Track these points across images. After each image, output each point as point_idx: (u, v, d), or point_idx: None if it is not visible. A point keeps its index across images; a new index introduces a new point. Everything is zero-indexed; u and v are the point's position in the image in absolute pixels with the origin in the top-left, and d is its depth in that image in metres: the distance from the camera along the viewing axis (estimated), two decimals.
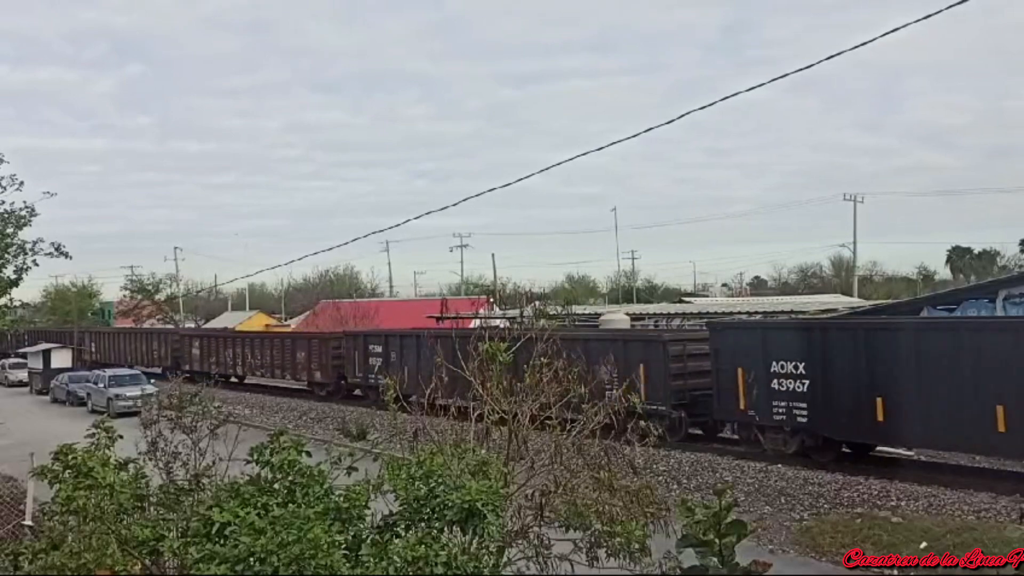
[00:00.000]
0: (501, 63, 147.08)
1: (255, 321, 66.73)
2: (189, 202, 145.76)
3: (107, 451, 6.97)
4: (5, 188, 19.81)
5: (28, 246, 20.25)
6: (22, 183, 19.96)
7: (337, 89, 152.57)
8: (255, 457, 6.27)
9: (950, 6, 10.25)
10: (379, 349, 31.95)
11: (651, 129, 13.14)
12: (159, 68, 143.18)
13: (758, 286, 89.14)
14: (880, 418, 17.53)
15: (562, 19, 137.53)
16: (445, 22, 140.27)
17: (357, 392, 34.13)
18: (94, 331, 59.16)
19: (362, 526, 6.00)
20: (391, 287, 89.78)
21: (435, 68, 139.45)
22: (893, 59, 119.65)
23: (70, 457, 6.69)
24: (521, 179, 24.39)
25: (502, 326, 10.51)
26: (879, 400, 17.48)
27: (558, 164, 23.24)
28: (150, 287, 73.23)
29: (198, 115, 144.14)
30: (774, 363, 19.38)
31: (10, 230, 19.93)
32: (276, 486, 6.10)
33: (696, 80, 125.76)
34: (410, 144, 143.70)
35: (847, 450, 19.54)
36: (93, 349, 54.25)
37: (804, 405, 18.91)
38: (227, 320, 69.22)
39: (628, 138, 16.29)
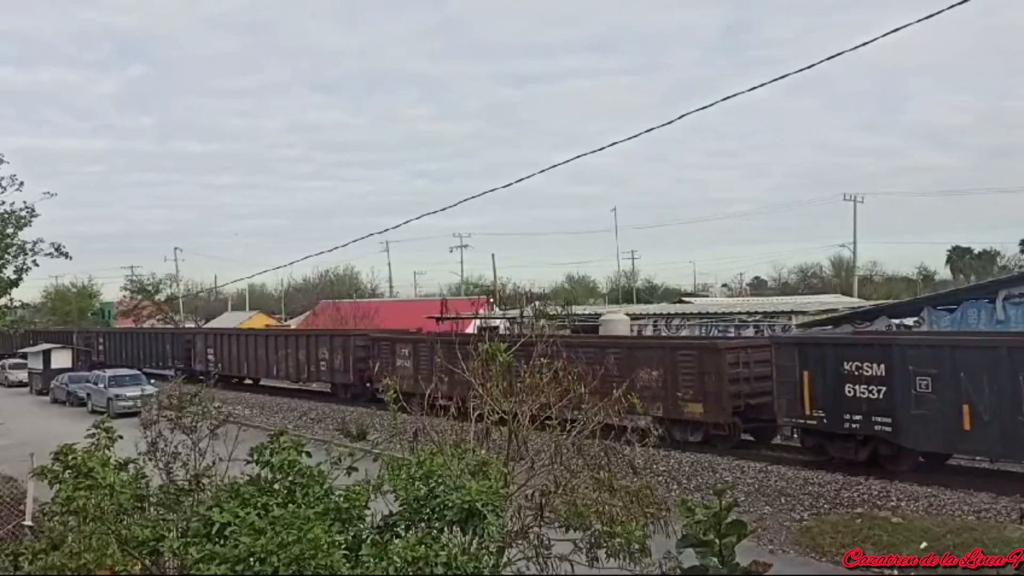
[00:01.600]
0: (501, 63, 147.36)
1: (255, 321, 66.72)
2: (189, 202, 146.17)
3: (107, 451, 6.97)
4: (5, 188, 19.80)
5: (28, 246, 20.23)
6: (22, 183, 19.97)
7: (338, 89, 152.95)
8: (255, 457, 6.27)
9: (951, 6, 10.26)
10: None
11: (652, 129, 13.19)
12: (161, 69, 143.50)
13: (758, 286, 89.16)
14: None
15: (562, 19, 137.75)
16: (445, 22, 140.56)
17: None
18: (213, 332, 47.84)
19: (362, 526, 6.00)
20: (391, 287, 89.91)
21: (435, 68, 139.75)
22: (894, 60, 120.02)
23: (70, 457, 6.69)
24: (522, 179, 24.41)
25: (502, 328, 10.50)
26: None
27: (558, 165, 23.30)
28: (150, 287, 73.31)
29: (199, 116, 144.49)
30: None
31: (10, 230, 19.92)
32: (276, 486, 6.10)
33: (696, 80, 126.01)
34: (410, 144, 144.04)
35: None
36: (211, 357, 42.73)
37: None
38: (227, 320, 69.22)
39: (629, 139, 16.31)
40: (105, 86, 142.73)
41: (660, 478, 17.55)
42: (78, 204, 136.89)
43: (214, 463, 7.32)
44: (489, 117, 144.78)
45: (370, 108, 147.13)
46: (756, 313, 43.23)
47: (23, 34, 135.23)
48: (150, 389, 28.93)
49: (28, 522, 11.41)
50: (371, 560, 5.52)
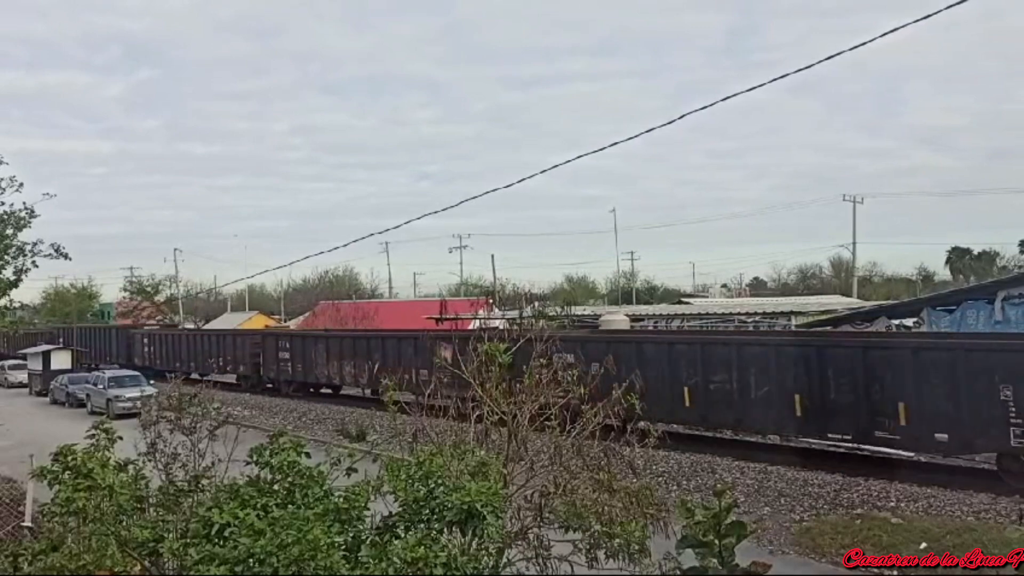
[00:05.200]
0: (505, 67, 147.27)
1: (254, 322, 66.66)
2: (191, 203, 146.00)
3: (107, 452, 6.97)
4: (4, 190, 19.77)
5: (28, 247, 20.21)
6: (21, 184, 19.93)
7: (343, 92, 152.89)
8: (254, 458, 6.27)
9: (949, 6, 10.27)
10: None
11: (652, 129, 13.21)
12: (168, 71, 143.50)
13: (757, 287, 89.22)
14: None
15: (566, 23, 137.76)
16: (450, 26, 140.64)
17: None
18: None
19: (362, 527, 6.00)
20: (391, 288, 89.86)
21: (440, 72, 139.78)
22: (894, 63, 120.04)
23: (69, 458, 6.68)
24: (523, 179, 24.27)
25: (501, 327, 10.49)
26: None
27: (559, 165, 23.30)
28: (149, 289, 73.30)
29: (205, 118, 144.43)
30: None
31: (10, 231, 19.89)
32: (276, 487, 6.10)
33: (700, 83, 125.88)
34: (414, 146, 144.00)
35: None
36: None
37: None
38: (226, 321, 69.18)
39: (630, 139, 16.33)
40: (114, 89, 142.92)
41: (660, 479, 17.55)
42: (82, 205, 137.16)
43: (213, 464, 7.33)
44: (492, 119, 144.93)
45: (375, 110, 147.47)
46: (756, 314, 43.21)
47: (32, 38, 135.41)
48: (150, 390, 28.93)
49: (28, 523, 11.41)
50: (371, 561, 5.52)
